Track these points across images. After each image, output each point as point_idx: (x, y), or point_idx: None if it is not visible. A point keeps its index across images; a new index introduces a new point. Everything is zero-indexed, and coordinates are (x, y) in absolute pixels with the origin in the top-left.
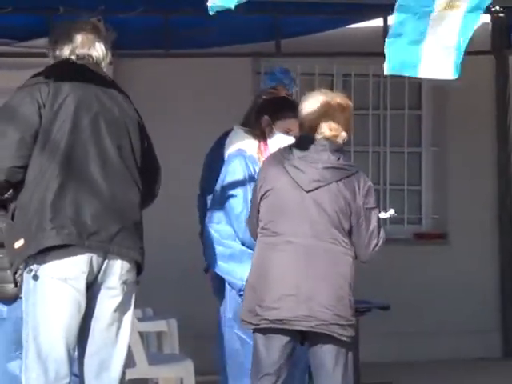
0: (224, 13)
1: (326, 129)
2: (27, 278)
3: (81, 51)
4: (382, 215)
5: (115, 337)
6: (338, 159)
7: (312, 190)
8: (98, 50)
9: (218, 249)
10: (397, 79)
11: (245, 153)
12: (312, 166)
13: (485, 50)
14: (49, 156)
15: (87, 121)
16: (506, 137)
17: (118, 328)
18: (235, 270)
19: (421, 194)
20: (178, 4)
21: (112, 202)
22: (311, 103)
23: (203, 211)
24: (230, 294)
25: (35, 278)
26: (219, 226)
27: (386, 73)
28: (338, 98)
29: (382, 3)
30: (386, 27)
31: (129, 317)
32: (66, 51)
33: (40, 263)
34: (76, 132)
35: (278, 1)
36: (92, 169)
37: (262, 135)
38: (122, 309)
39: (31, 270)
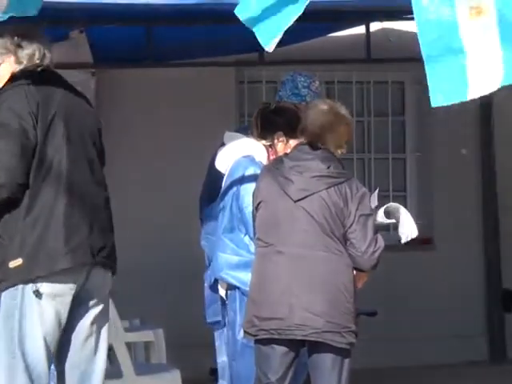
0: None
1: (331, 138)
2: (17, 294)
3: (40, 60)
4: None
5: (94, 348)
6: (328, 167)
7: (300, 199)
8: (45, 54)
9: (233, 258)
10: (380, 86)
11: (255, 159)
12: (300, 175)
13: None
14: (46, 174)
15: (77, 135)
16: (490, 141)
17: (97, 340)
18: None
19: (406, 200)
20: (160, 16)
21: (107, 215)
22: (318, 112)
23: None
24: (242, 303)
25: (39, 296)
26: (233, 235)
27: (433, 105)
28: (343, 111)
29: (364, 10)
30: (368, 34)
31: (106, 329)
32: (24, 58)
33: (39, 281)
34: (69, 148)
35: None
36: (88, 183)
37: (269, 145)
38: (99, 321)
39: (36, 290)
